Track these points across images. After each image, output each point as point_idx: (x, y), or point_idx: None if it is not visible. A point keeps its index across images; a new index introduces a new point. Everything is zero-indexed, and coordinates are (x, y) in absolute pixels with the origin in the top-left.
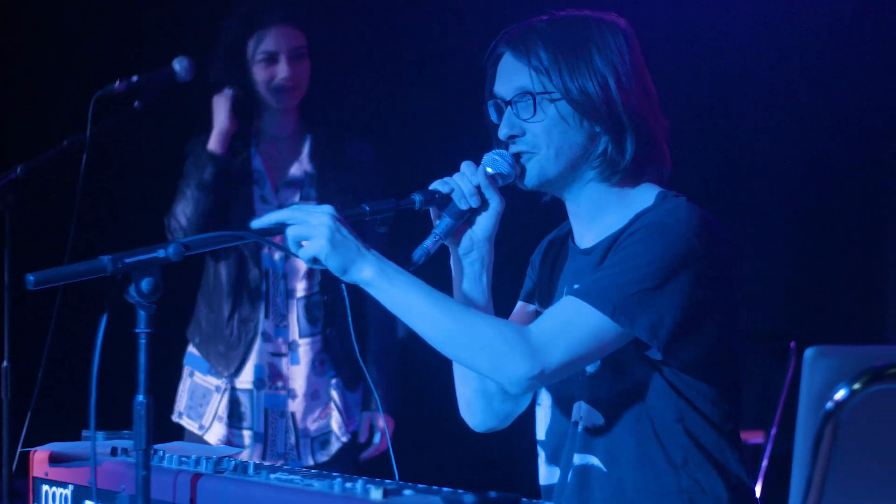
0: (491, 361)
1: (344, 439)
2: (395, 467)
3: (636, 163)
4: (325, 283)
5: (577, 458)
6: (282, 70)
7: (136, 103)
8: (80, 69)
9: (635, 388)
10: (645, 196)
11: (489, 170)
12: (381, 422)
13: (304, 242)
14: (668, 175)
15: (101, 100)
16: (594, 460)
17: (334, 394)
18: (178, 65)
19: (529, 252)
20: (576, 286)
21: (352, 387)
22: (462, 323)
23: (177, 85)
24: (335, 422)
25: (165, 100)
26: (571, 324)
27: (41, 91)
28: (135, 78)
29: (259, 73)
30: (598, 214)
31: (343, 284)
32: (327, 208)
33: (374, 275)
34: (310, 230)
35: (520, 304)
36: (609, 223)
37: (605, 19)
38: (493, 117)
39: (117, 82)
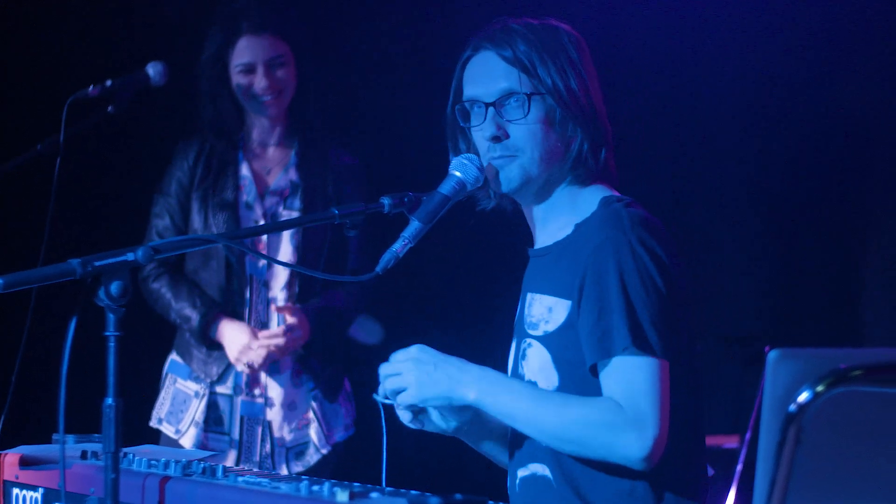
0: (604, 451)
1: (324, 451)
2: (384, 471)
3: (604, 168)
4: (302, 294)
5: (528, 466)
6: (259, 80)
7: (109, 107)
8: (54, 73)
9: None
10: (591, 199)
11: (457, 173)
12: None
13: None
14: (616, 181)
15: (74, 104)
16: (542, 469)
17: (314, 405)
18: (152, 69)
19: (505, 258)
20: (600, 352)
21: (332, 398)
22: (564, 426)
23: (151, 89)
24: (314, 432)
25: (139, 104)
26: (633, 380)
27: (14, 95)
28: (109, 82)
29: (238, 82)
30: (551, 216)
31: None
32: (413, 351)
33: (475, 396)
34: (400, 381)
35: None
36: (559, 225)
37: (565, 27)
38: (461, 122)
39: (91, 86)
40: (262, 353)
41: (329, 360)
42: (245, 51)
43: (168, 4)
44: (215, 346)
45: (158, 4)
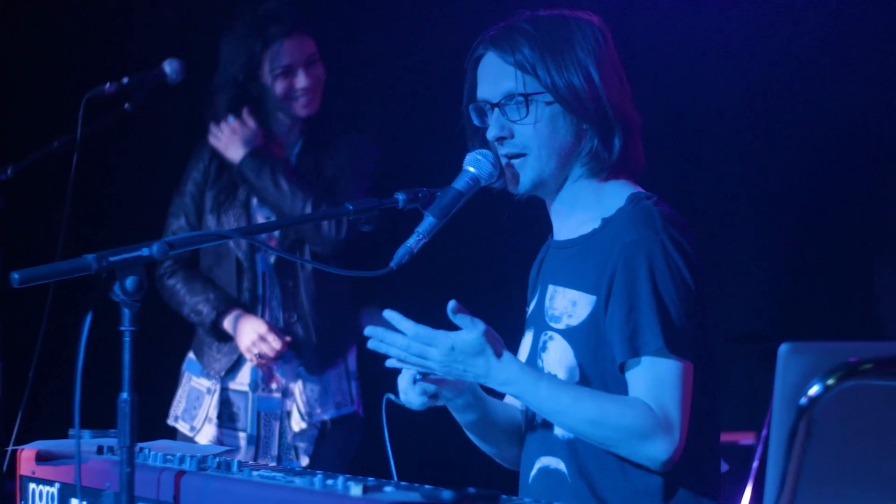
0: (630, 451)
1: (303, 425)
2: (392, 466)
3: (621, 158)
4: (286, 269)
5: (542, 459)
6: (300, 81)
7: (126, 105)
8: (71, 70)
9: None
10: (617, 194)
11: (471, 169)
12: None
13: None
14: (641, 171)
15: (91, 101)
16: (557, 463)
17: (297, 384)
18: (169, 66)
19: (518, 254)
20: (629, 349)
21: (317, 371)
22: (594, 424)
23: (167, 86)
24: (295, 407)
25: (155, 101)
26: (663, 382)
27: (32, 92)
28: (125, 79)
29: (277, 87)
30: (574, 209)
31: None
32: (438, 355)
33: (500, 385)
34: (426, 364)
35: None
36: (583, 219)
37: (582, 17)
38: (476, 121)
39: (108, 84)
40: (278, 346)
41: (318, 335)
42: (282, 54)
43: (185, 2)
44: (226, 339)
45: (175, 2)
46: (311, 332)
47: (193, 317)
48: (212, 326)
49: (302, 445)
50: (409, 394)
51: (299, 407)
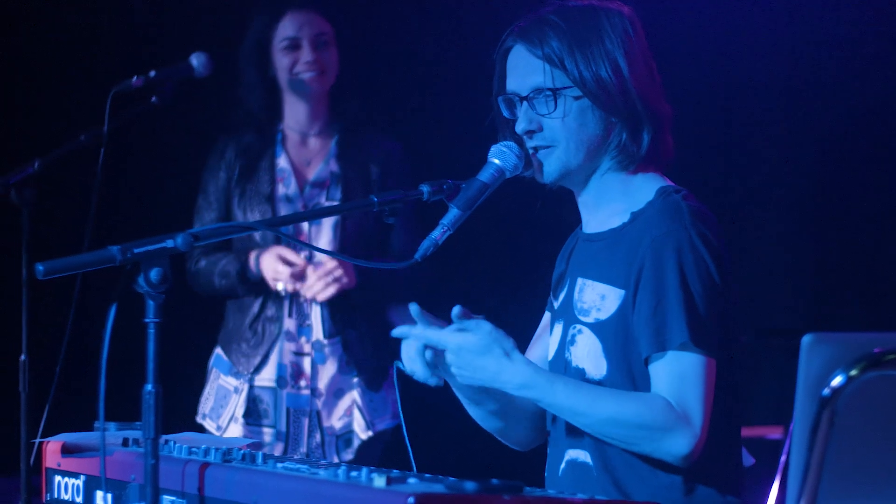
0: (651, 448)
1: (364, 437)
2: (411, 456)
3: (650, 151)
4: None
5: (570, 452)
6: (305, 55)
7: (153, 98)
8: (98, 64)
9: (633, 387)
10: (646, 187)
11: (496, 161)
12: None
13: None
14: (671, 164)
15: (118, 95)
16: (584, 456)
17: (356, 392)
18: (196, 60)
19: (544, 246)
20: (653, 344)
21: (375, 387)
22: (613, 424)
23: (194, 80)
24: (357, 423)
25: (183, 95)
26: (686, 377)
27: (59, 85)
28: (152, 73)
29: (281, 61)
30: (602, 201)
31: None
32: (450, 356)
33: (516, 389)
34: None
35: (547, 315)
36: (612, 211)
37: (612, 8)
38: (505, 113)
39: (135, 77)
40: (285, 271)
41: (374, 350)
42: (290, 25)
43: None
44: (262, 286)
45: None
46: (368, 351)
47: (224, 282)
48: (241, 279)
49: (350, 448)
50: (415, 363)
51: (364, 416)
